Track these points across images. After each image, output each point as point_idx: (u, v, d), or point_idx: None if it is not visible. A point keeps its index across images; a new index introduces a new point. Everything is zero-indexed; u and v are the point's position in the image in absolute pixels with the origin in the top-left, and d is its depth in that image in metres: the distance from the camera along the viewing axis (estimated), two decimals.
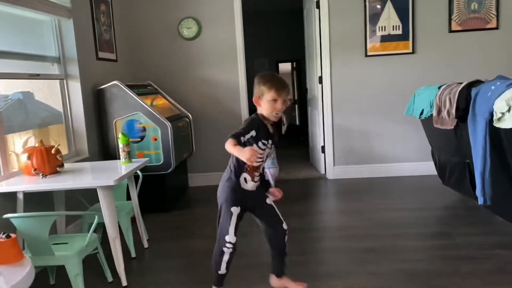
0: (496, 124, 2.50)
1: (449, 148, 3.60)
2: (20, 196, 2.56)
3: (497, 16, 4.60)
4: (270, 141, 2.20)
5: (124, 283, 2.60)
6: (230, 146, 1.97)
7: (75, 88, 3.67)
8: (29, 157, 2.64)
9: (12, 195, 2.58)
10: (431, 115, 3.56)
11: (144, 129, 3.93)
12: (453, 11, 4.64)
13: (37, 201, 2.79)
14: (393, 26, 4.72)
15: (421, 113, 3.77)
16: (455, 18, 4.65)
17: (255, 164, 2.18)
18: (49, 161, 2.68)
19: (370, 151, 4.93)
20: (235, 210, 2.20)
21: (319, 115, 5.08)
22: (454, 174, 3.67)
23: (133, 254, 3.05)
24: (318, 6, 4.80)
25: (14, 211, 2.53)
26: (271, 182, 3.94)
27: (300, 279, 2.45)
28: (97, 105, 3.96)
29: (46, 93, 3.62)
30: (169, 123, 3.89)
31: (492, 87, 2.66)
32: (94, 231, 2.44)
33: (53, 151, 2.71)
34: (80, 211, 3.10)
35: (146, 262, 3.01)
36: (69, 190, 2.86)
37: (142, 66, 4.92)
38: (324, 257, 2.94)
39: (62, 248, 2.35)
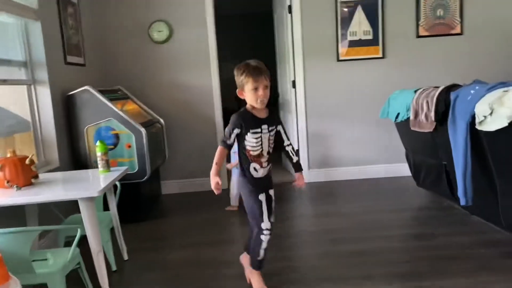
0: (479, 127, 2.56)
1: (425, 151, 3.68)
2: None
3: (461, 22, 4.79)
4: (264, 126, 2.26)
5: None
6: (216, 156, 2.23)
7: (44, 94, 3.47)
8: (1, 169, 2.45)
9: None
10: (408, 118, 3.64)
11: (117, 136, 3.78)
12: (420, 16, 4.79)
13: (6, 215, 2.60)
14: (363, 31, 4.80)
15: (397, 117, 3.84)
16: (422, 24, 4.80)
17: (254, 154, 2.29)
18: (23, 172, 2.50)
19: (344, 154, 4.99)
20: (262, 197, 2.32)
21: (292, 119, 5.08)
22: (430, 175, 3.76)
23: (114, 268, 2.90)
24: (290, 11, 4.81)
25: None
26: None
27: (294, 285, 2.41)
28: (67, 112, 3.76)
29: (10, 99, 3.39)
30: (143, 130, 3.76)
31: (472, 91, 2.73)
32: (70, 244, 2.30)
33: (27, 161, 2.53)
34: (57, 225, 2.92)
35: (128, 275, 2.88)
36: (42, 203, 2.68)
37: (112, 70, 4.74)
38: (314, 262, 2.89)
39: (43, 265, 2.19)
